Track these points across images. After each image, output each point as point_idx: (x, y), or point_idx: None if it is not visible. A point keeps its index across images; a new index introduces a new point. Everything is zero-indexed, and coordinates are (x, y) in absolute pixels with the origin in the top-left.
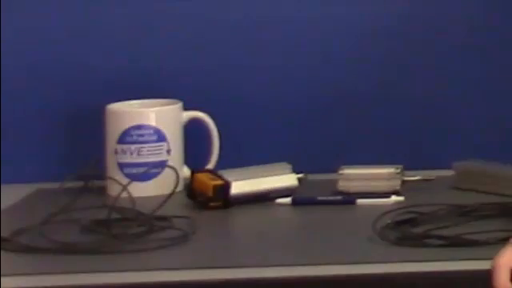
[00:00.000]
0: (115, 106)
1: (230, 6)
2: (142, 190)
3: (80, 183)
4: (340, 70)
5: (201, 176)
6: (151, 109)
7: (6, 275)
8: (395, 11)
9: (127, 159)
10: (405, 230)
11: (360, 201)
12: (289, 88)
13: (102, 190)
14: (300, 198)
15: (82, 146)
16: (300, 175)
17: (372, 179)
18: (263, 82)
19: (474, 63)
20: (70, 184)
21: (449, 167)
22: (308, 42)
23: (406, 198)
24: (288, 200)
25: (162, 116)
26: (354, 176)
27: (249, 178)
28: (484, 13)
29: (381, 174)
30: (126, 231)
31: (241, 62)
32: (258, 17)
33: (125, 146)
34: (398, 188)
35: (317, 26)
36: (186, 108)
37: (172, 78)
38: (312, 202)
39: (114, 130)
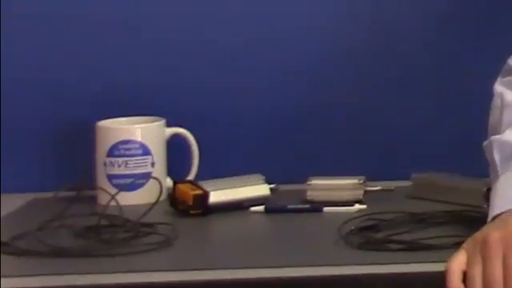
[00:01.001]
0: (104, 123)
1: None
2: (128, 199)
3: (72, 193)
4: (308, 87)
5: (182, 186)
6: (137, 125)
7: (5, 276)
8: (361, 27)
9: (115, 171)
10: (367, 236)
11: (326, 209)
12: (262, 106)
13: (93, 199)
14: (272, 207)
15: (74, 159)
16: (272, 186)
17: (337, 189)
18: (239, 101)
19: (429, 79)
20: (63, 194)
21: (407, 178)
22: (279, 58)
23: (368, 207)
24: (261, 208)
25: (146, 132)
26: (321, 186)
27: (226, 188)
28: (438, 29)
29: (345, 185)
30: (114, 236)
31: (218, 83)
32: (233, 38)
33: (113, 159)
34: (360, 197)
35: (287, 42)
36: (168, 125)
37: (156, 98)
38: (283, 210)
39: (103, 145)
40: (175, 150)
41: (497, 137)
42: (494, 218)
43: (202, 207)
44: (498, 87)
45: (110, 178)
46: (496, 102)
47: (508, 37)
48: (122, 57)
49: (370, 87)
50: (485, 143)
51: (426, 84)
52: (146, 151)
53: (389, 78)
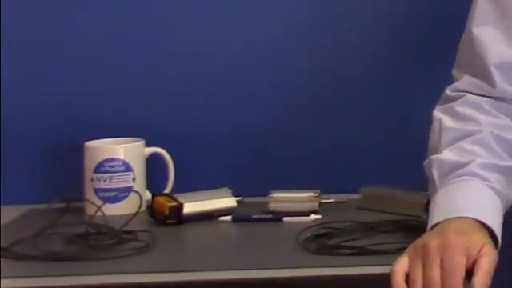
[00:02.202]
0: (92, 143)
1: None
2: (112, 209)
3: (63, 204)
4: (269, 110)
5: (159, 199)
6: (120, 145)
7: (5, 278)
8: (307, 52)
9: (101, 185)
10: (322, 242)
11: (286, 218)
12: (229, 128)
13: (81, 210)
14: (238, 216)
15: (65, 175)
16: (238, 198)
17: (295, 201)
18: (209, 123)
19: (374, 103)
20: (55, 205)
21: (356, 192)
22: (240, 79)
23: (322, 217)
24: (229, 218)
25: (128, 151)
26: (282, 198)
27: (198, 200)
28: (390, 51)
29: (302, 197)
30: (100, 243)
31: (190, 110)
32: (200, 73)
33: (99, 175)
34: (316, 208)
35: (249, 62)
36: (147, 144)
37: (137, 121)
38: (248, 220)
39: (90, 162)
40: (153, 167)
41: (436, 156)
42: (433, 226)
43: (177, 217)
44: (437, 113)
45: (97, 191)
46: (435, 126)
47: (445, 68)
48: (107, 86)
49: (323, 108)
50: (425, 161)
51: (373, 108)
52: (127, 168)
53: (342, 98)
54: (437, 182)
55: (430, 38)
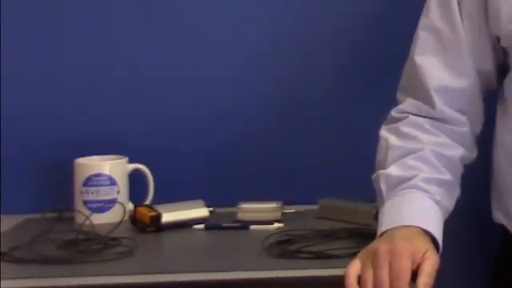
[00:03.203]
0: (81, 160)
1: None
2: (99, 219)
3: (56, 214)
4: (234, 129)
5: (141, 209)
6: (106, 162)
7: (5, 279)
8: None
9: (89, 197)
10: (284, 247)
11: (252, 226)
12: (202, 145)
13: (72, 219)
14: (210, 225)
15: (58, 188)
16: (210, 209)
17: (261, 211)
18: (184, 142)
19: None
20: (49, 215)
21: (314, 203)
22: (211, 102)
23: (284, 225)
24: (202, 226)
25: (113, 167)
26: (248, 209)
27: (174, 211)
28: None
29: (267, 208)
30: (89, 248)
31: (168, 130)
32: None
33: (88, 188)
34: (279, 217)
35: (218, 87)
36: (130, 161)
37: (121, 140)
38: (219, 228)
39: (80, 177)
40: (135, 181)
41: (383, 171)
42: (382, 234)
43: (157, 225)
44: (384, 132)
45: (85, 202)
46: (382, 144)
47: (391, 90)
48: (94, 109)
49: (285, 128)
50: (373, 176)
51: (329, 128)
52: (113, 182)
53: (301, 119)
54: (384, 194)
55: (379, 66)
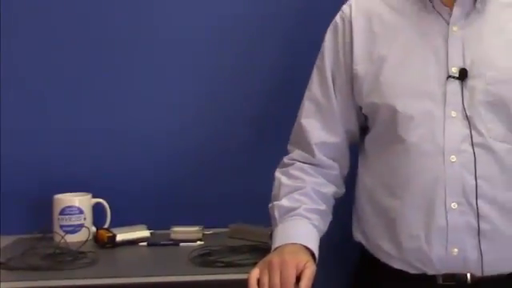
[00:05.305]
0: (58, 196)
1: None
2: (71, 238)
3: (40, 235)
4: (167, 169)
5: (101, 231)
6: (76, 198)
7: (3, 281)
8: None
9: (64, 223)
10: (204, 259)
11: (182, 244)
12: (144, 184)
13: (51, 238)
14: (151, 242)
15: (41, 216)
16: (151, 231)
17: (187, 233)
18: (133, 182)
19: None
20: (35, 235)
21: (226, 226)
22: (151, 147)
23: (205, 242)
24: (145, 243)
25: (81, 201)
26: (179, 231)
27: (125, 232)
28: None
29: (192, 230)
30: (64, 259)
31: (118, 175)
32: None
33: (63, 216)
34: (201, 237)
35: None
36: (93, 196)
37: (86, 181)
38: (157, 244)
39: (57, 208)
40: (97, 210)
41: (277, 202)
42: (275, 249)
43: (112, 243)
44: (277, 174)
45: (61, 226)
46: (276, 182)
47: (283, 139)
48: (70, 156)
49: (204, 168)
50: (270, 205)
51: (238, 167)
52: (81, 212)
53: (216, 161)
54: (277, 220)
55: (279, 121)
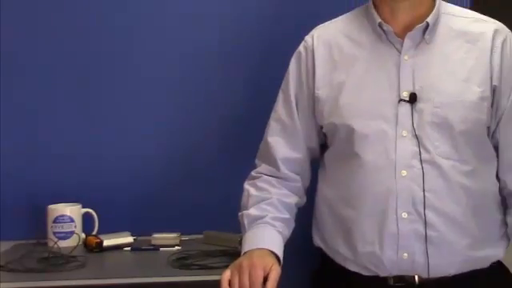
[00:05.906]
0: (51, 206)
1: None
2: (63, 243)
3: (36, 240)
4: (148, 182)
5: (90, 238)
6: (67, 207)
7: (3, 282)
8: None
9: (57, 230)
10: (182, 262)
11: (161, 249)
12: (129, 195)
13: (46, 244)
14: (134, 247)
15: (37, 224)
16: (134, 237)
17: (167, 239)
18: (120, 192)
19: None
20: (31, 241)
21: (201, 233)
22: (136, 159)
23: (182, 247)
24: (129, 248)
25: (72, 211)
26: (159, 237)
27: (112, 238)
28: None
29: (171, 237)
30: (57, 262)
31: (106, 187)
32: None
33: (56, 224)
34: (178, 243)
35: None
36: (83, 207)
37: (76, 192)
38: (139, 249)
39: (51, 217)
40: (86, 219)
41: (245, 211)
42: (244, 253)
43: (100, 248)
44: (246, 186)
45: (55, 233)
46: (245, 193)
47: (250, 156)
48: (62, 171)
49: (186, 180)
50: (239, 214)
51: (219, 179)
52: (72, 220)
53: (197, 173)
54: (246, 227)
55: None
